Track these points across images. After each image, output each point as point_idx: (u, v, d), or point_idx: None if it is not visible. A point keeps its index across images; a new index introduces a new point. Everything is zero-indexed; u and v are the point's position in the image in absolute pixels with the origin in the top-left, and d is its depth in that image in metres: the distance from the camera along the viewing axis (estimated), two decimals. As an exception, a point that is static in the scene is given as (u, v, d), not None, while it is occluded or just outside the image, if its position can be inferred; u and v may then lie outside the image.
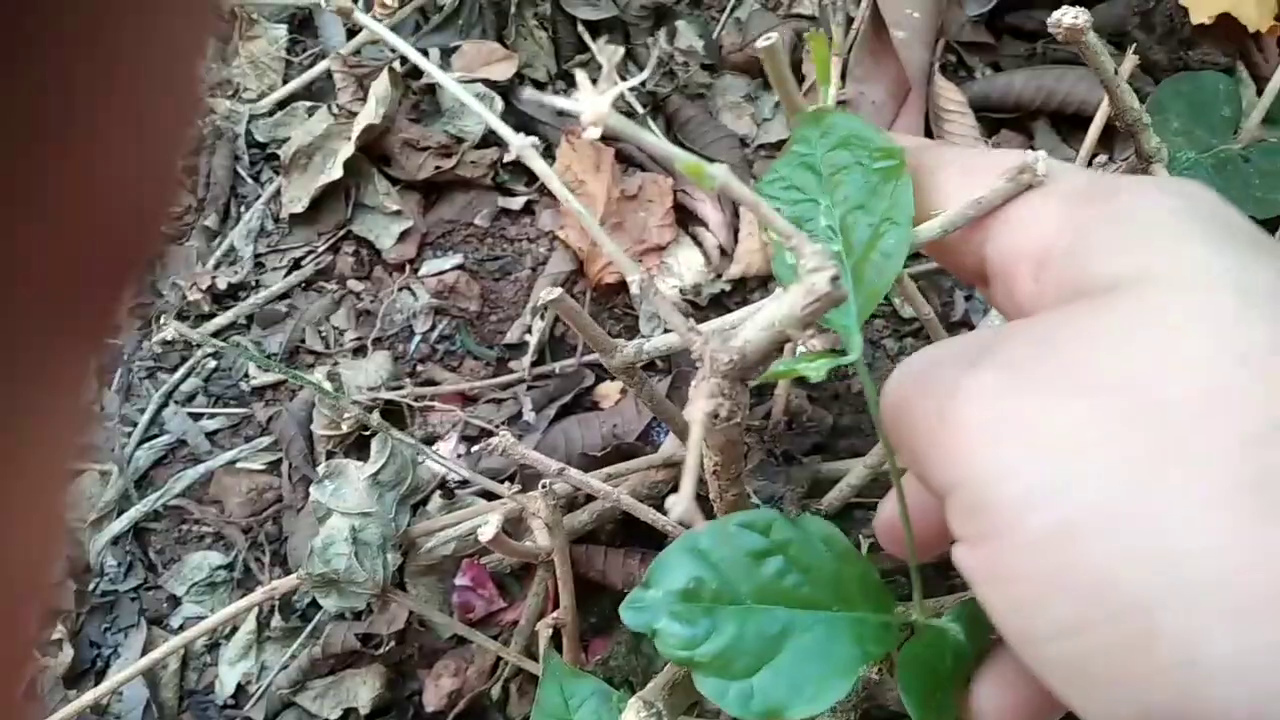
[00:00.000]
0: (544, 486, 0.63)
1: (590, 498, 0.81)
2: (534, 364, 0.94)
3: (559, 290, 0.50)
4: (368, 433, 0.84)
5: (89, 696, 0.75)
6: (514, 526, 0.81)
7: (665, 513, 0.77)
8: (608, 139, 1.02)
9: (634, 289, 0.45)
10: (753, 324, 0.44)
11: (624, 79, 1.04)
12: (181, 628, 0.84)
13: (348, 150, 0.95)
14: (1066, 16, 0.47)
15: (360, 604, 0.69)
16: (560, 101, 0.33)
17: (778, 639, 0.41)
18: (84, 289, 0.13)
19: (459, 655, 0.82)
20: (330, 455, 0.85)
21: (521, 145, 0.43)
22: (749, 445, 0.82)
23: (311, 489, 0.70)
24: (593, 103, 0.34)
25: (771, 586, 0.41)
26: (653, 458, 0.78)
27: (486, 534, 0.53)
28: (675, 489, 0.76)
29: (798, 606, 0.41)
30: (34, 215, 0.12)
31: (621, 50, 1.01)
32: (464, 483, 0.86)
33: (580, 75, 0.34)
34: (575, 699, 0.52)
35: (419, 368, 0.94)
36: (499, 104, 1.00)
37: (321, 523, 0.69)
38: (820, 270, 0.38)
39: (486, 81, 1.00)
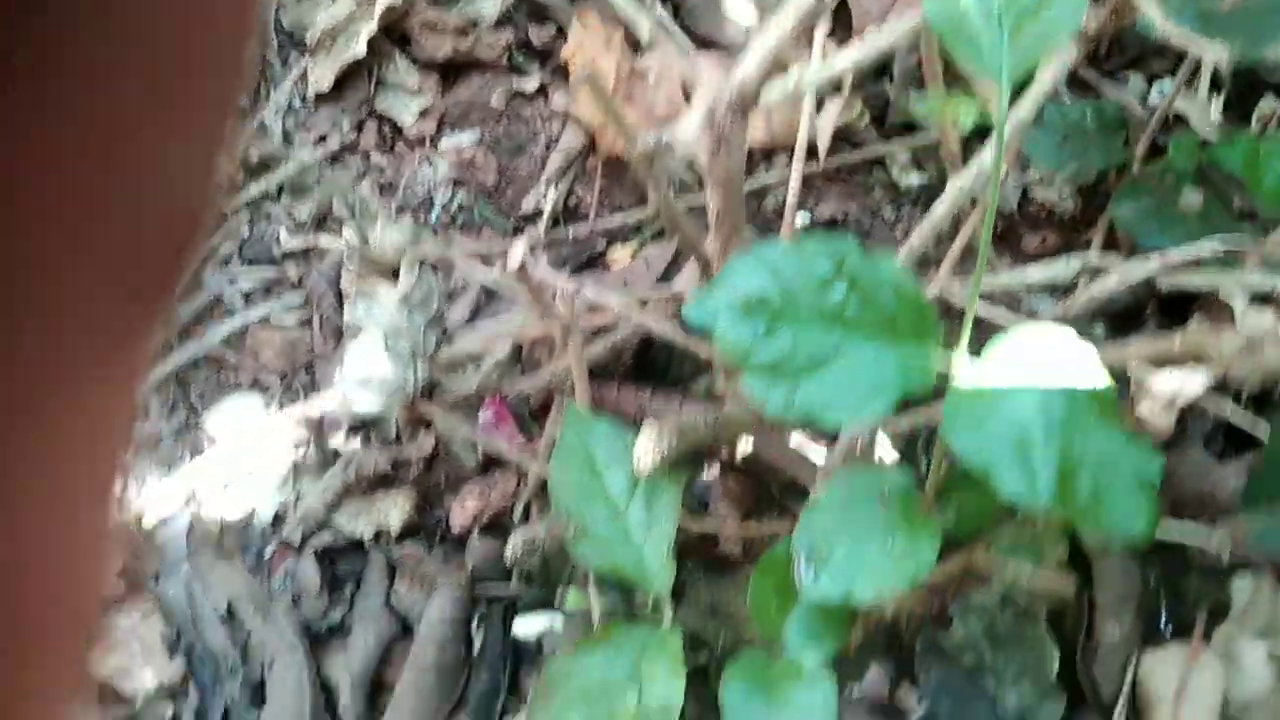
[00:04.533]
0: (562, 292, 0.69)
1: (602, 333, 0.86)
2: (548, 229, 0.99)
3: (588, 72, 0.55)
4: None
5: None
6: (540, 342, 0.87)
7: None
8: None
9: None
10: (749, 57, 0.49)
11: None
12: (219, 464, 0.89)
13: (371, 28, 1.00)
14: None
15: (394, 407, 0.74)
16: None
17: (827, 358, 0.44)
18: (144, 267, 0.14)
19: (483, 482, 0.88)
20: (359, 308, 0.91)
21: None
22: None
23: (345, 308, 0.76)
24: None
25: (831, 311, 0.44)
26: (665, 290, 0.83)
27: (514, 259, 0.58)
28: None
29: (852, 333, 0.44)
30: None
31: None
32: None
33: None
34: (592, 437, 0.57)
35: (439, 233, 1.00)
36: (514, -13, 1.05)
37: (354, 337, 0.75)
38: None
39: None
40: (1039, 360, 0.45)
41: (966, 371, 0.45)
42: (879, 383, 0.45)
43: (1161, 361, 0.54)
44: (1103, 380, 0.45)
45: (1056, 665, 0.80)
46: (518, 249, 0.57)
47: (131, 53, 0.13)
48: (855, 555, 0.49)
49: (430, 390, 0.86)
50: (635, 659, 0.51)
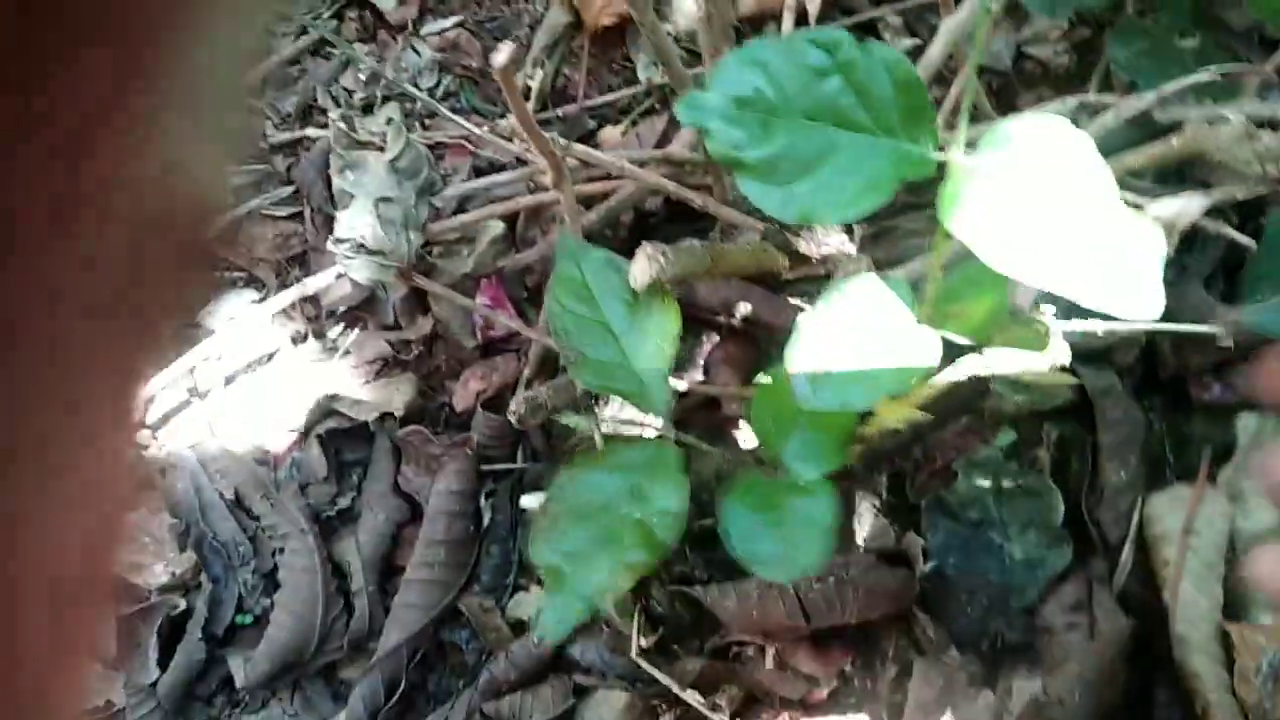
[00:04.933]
0: (551, 140, 0.68)
1: (599, 200, 0.85)
2: (537, 112, 0.98)
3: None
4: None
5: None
6: (532, 220, 0.86)
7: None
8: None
9: None
10: None
11: None
12: (219, 358, 0.89)
13: (345, -88, 0.98)
14: None
15: (388, 275, 0.74)
16: None
17: (823, 154, 0.43)
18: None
19: (484, 365, 0.87)
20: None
21: None
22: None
23: (334, 179, 0.75)
24: None
25: (826, 105, 0.43)
26: (655, 153, 0.82)
27: (499, 59, 0.56)
28: (680, 181, 0.79)
29: (847, 128, 0.44)
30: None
31: None
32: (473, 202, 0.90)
33: None
34: (587, 267, 0.57)
35: (426, 121, 0.99)
36: None
37: (345, 207, 0.74)
38: None
39: None
40: (1035, 149, 0.45)
41: (963, 161, 0.44)
42: (875, 177, 0.44)
43: (1160, 165, 0.53)
44: (1099, 167, 0.44)
45: (1062, 513, 0.80)
46: (503, 51, 0.55)
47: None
48: (854, 367, 0.48)
49: (427, 272, 0.85)
50: (637, 474, 0.51)
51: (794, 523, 0.49)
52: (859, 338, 0.50)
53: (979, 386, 0.83)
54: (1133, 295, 0.42)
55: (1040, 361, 0.49)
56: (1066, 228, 0.43)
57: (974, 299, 0.51)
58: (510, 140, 0.77)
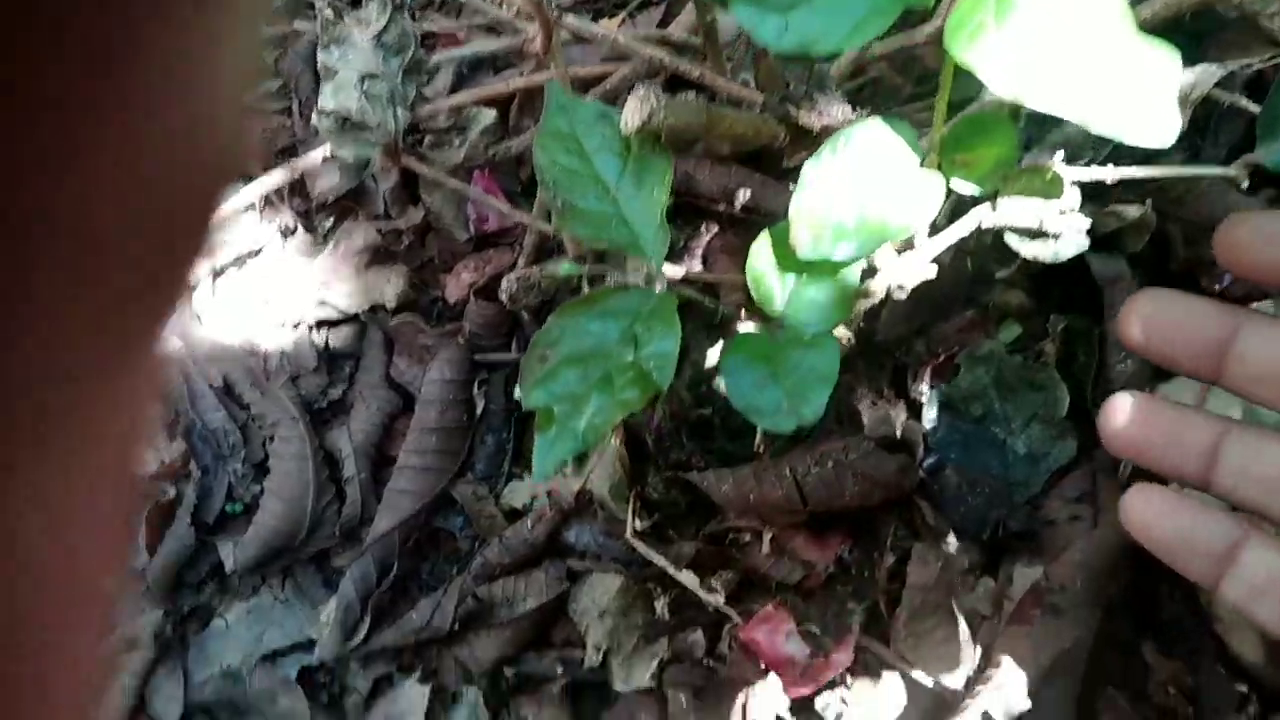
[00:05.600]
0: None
1: (594, 84, 0.83)
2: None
3: None
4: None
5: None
6: (525, 107, 0.84)
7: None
8: None
9: None
10: None
11: None
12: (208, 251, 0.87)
13: None
14: None
15: (372, 153, 0.72)
16: None
17: None
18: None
19: (477, 258, 0.86)
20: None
21: None
22: None
23: (319, 56, 0.73)
24: None
25: None
26: (653, 33, 0.80)
27: None
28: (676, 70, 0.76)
29: None
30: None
31: None
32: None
33: None
34: (579, 121, 0.55)
35: (417, 14, 0.96)
36: None
37: (329, 80, 0.71)
38: None
39: None
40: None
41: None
42: (876, 4, 0.42)
43: (1175, 13, 0.51)
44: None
45: (1067, 405, 0.78)
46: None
47: None
48: (856, 214, 0.46)
49: (420, 158, 0.83)
50: (630, 321, 0.49)
51: (796, 374, 0.48)
52: (862, 184, 0.48)
53: (983, 277, 0.81)
54: (1148, 121, 0.40)
55: (1051, 209, 0.48)
56: (1078, 53, 0.41)
57: (982, 146, 0.49)
58: (500, 5, 0.74)
